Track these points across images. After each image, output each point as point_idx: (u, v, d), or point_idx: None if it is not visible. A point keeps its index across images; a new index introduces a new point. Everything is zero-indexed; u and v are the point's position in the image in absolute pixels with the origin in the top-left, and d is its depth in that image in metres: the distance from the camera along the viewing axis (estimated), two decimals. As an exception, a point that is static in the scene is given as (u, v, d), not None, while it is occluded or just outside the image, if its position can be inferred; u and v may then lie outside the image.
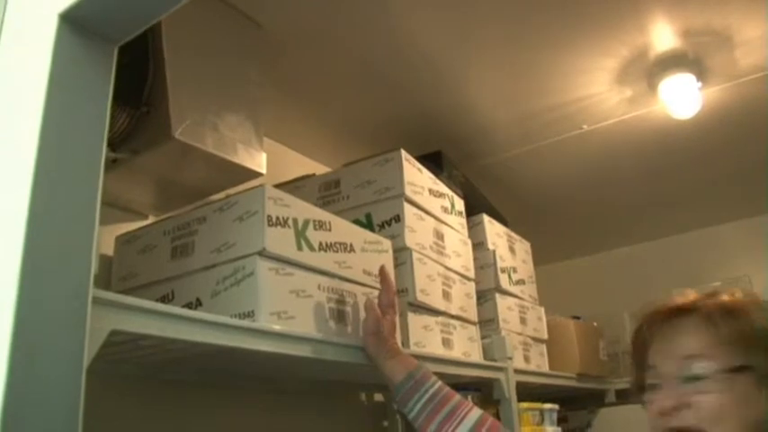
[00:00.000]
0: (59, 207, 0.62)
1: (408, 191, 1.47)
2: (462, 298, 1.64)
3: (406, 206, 1.46)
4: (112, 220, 1.34)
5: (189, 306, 1.06)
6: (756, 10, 1.52)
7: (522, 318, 1.99)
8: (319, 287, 1.15)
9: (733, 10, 1.53)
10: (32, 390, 0.56)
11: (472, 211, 1.90)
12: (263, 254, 1.04)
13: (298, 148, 2.00)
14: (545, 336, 2.12)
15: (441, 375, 1.18)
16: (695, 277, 2.55)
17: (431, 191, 1.60)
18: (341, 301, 1.19)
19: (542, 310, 2.16)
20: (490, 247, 1.93)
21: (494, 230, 2.00)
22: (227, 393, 1.42)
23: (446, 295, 1.55)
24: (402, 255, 1.42)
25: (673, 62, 1.73)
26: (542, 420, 1.80)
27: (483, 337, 1.72)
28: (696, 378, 0.81)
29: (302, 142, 1.97)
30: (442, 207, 1.66)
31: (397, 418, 1.83)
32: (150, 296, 1.10)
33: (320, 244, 1.17)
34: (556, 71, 1.75)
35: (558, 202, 2.66)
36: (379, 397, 1.90)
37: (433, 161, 1.77)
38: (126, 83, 1.10)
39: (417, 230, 1.49)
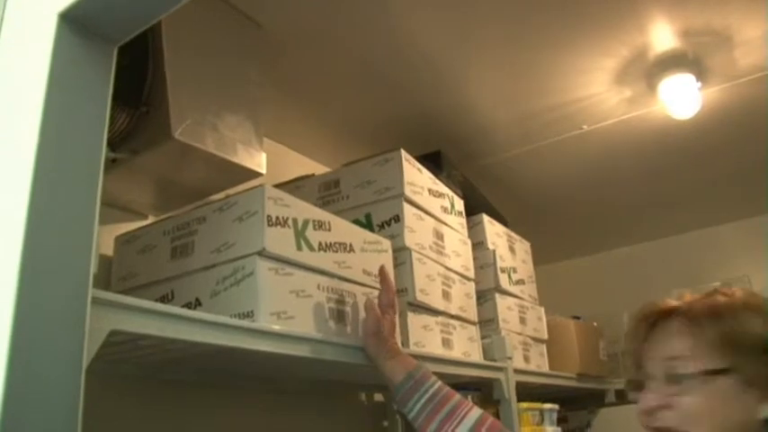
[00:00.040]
0: (59, 207, 0.62)
1: (408, 191, 1.47)
2: (462, 298, 1.64)
3: (406, 206, 1.46)
4: (112, 220, 1.34)
5: (188, 306, 1.06)
6: (756, 10, 1.52)
7: (522, 318, 1.99)
8: (319, 287, 1.15)
9: (733, 10, 1.53)
10: (32, 390, 0.56)
11: (472, 210, 1.90)
12: (262, 254, 1.04)
13: (297, 148, 2.00)
14: (545, 336, 2.12)
15: (440, 375, 1.18)
16: (695, 277, 2.55)
17: (430, 191, 1.60)
18: (340, 301, 1.19)
19: (542, 310, 2.16)
20: (490, 246, 1.93)
21: (493, 230, 2.00)
22: (227, 393, 1.42)
23: (446, 295, 1.55)
24: (402, 255, 1.42)
25: (672, 62, 1.73)
26: (542, 420, 1.80)
27: (483, 337, 1.72)
28: (678, 379, 0.82)
29: (302, 142, 1.97)
30: (442, 207, 1.66)
31: (397, 419, 1.83)
32: (150, 296, 1.10)
33: (320, 244, 1.17)
34: (556, 71, 1.75)
35: (558, 202, 2.66)
36: (379, 397, 1.90)
37: (432, 161, 1.77)
38: (126, 83, 1.10)
39: (417, 230, 1.49)
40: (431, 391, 1.12)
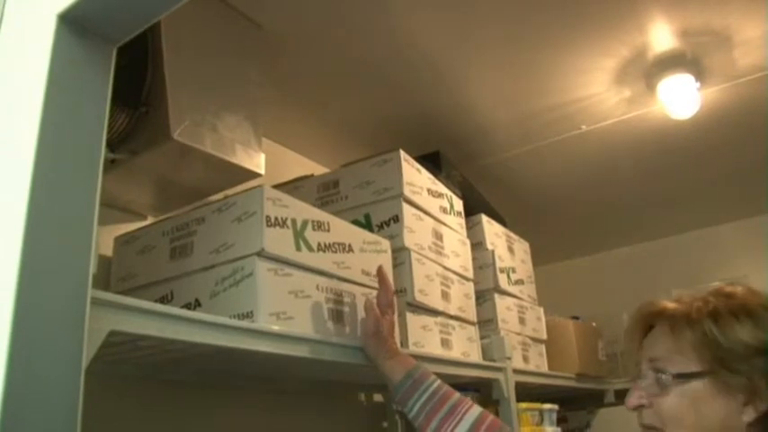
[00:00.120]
0: (58, 207, 0.62)
1: (407, 191, 1.47)
2: (461, 298, 1.64)
3: (405, 206, 1.46)
4: (111, 221, 1.34)
5: (188, 307, 1.06)
6: (755, 10, 1.52)
7: (521, 318, 1.99)
8: (318, 287, 1.15)
9: (732, 10, 1.53)
10: (31, 390, 0.56)
11: (471, 211, 1.90)
12: (261, 254, 1.04)
13: (297, 149, 2.00)
14: (544, 336, 2.12)
15: (439, 375, 1.18)
16: (694, 277, 2.55)
17: (429, 191, 1.61)
18: (340, 302, 1.19)
19: (541, 310, 2.16)
20: (489, 247, 1.93)
21: (492, 230, 2.00)
22: (227, 394, 1.42)
23: (445, 295, 1.55)
24: (401, 255, 1.42)
25: (671, 62, 1.73)
26: (541, 420, 1.80)
27: (482, 338, 1.73)
28: (657, 380, 0.85)
29: (301, 143, 1.97)
30: (441, 207, 1.66)
31: (397, 419, 1.83)
32: (149, 297, 1.10)
33: (319, 244, 1.17)
34: (555, 71, 1.75)
35: (558, 202, 2.66)
36: (378, 397, 1.90)
37: (431, 161, 1.77)
38: (125, 83, 1.10)
39: (416, 231, 1.49)
40: (430, 390, 1.12)
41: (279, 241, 1.07)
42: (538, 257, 2.30)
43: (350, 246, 1.26)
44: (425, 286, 1.46)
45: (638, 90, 1.85)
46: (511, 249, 2.08)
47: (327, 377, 1.47)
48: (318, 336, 1.10)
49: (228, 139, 1.24)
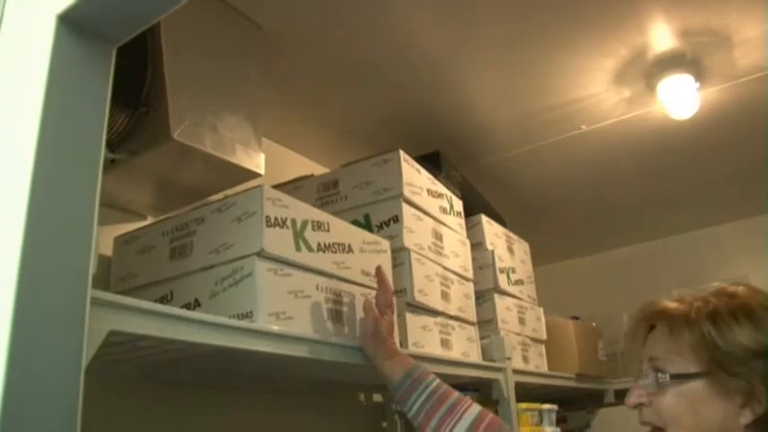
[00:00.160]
0: (58, 207, 0.62)
1: (407, 191, 1.47)
2: (461, 298, 1.64)
3: (405, 207, 1.46)
4: (111, 221, 1.34)
5: (187, 307, 1.06)
6: (755, 10, 1.52)
7: (521, 318, 1.99)
8: (318, 288, 1.15)
9: (732, 10, 1.53)
10: (31, 390, 0.56)
11: (471, 211, 1.90)
12: (261, 254, 1.04)
13: (296, 149, 2.00)
14: (544, 336, 2.12)
15: (439, 376, 1.18)
16: (694, 277, 2.56)
17: (429, 191, 1.61)
18: (339, 302, 1.19)
19: (541, 310, 2.16)
20: (489, 247, 1.93)
21: (492, 231, 2.00)
22: (226, 394, 1.42)
23: (444, 296, 1.55)
24: (400, 255, 1.42)
25: (671, 62, 1.73)
26: (541, 421, 1.80)
27: (482, 338, 1.73)
28: (656, 380, 0.86)
29: (301, 143, 1.97)
30: (441, 207, 1.66)
31: (396, 419, 1.83)
32: (149, 297, 1.10)
33: (318, 244, 1.17)
34: (555, 71, 1.75)
35: (557, 202, 2.66)
36: (378, 397, 1.90)
37: (431, 161, 1.78)
38: (125, 83, 1.10)
39: (416, 231, 1.49)
40: (429, 389, 1.12)
41: (278, 241, 1.07)
42: (538, 257, 2.30)
43: (349, 246, 1.26)
44: (425, 286, 1.46)
45: (638, 90, 1.85)
46: (511, 249, 2.08)
47: (327, 377, 1.48)
48: (318, 336, 1.10)
49: (228, 139, 1.24)
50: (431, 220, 1.58)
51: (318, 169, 1.93)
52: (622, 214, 2.81)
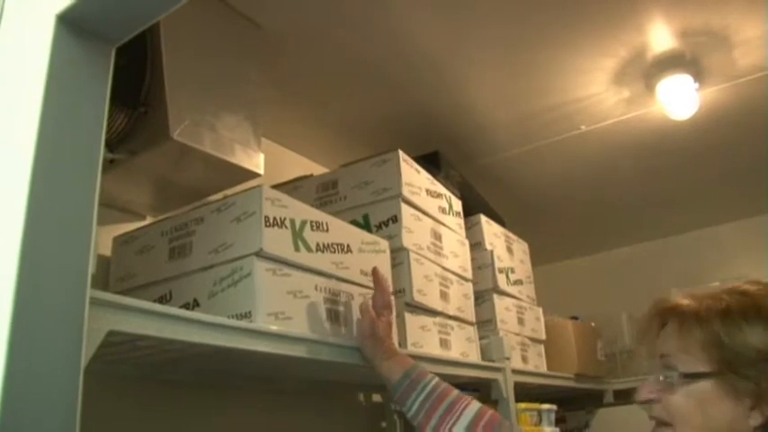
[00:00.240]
0: (57, 207, 0.62)
1: (406, 191, 1.47)
2: (460, 298, 1.64)
3: (404, 207, 1.46)
4: (110, 221, 1.34)
5: (186, 307, 1.06)
6: (755, 10, 1.52)
7: (520, 318, 1.99)
8: (316, 288, 1.15)
9: (731, 10, 1.53)
10: (30, 390, 0.56)
11: (470, 211, 1.90)
12: (260, 254, 1.04)
13: (296, 149, 2.00)
14: (543, 336, 2.12)
15: (438, 376, 1.17)
16: (694, 277, 2.56)
17: (428, 191, 1.61)
18: (338, 302, 1.19)
19: (540, 310, 2.16)
20: (488, 247, 1.93)
21: (491, 231, 2.00)
22: (225, 394, 1.42)
23: (444, 296, 1.55)
24: (399, 255, 1.42)
25: (670, 62, 1.73)
26: (540, 421, 1.80)
27: (481, 338, 1.73)
28: (666, 377, 0.86)
29: (300, 143, 1.97)
30: (440, 207, 1.66)
31: (395, 419, 1.83)
32: (148, 297, 1.10)
33: (317, 245, 1.17)
34: (555, 71, 1.75)
35: (557, 202, 2.66)
36: (377, 398, 1.90)
37: (430, 162, 1.77)
38: (124, 83, 1.10)
39: (415, 231, 1.49)
40: (428, 388, 1.12)
41: (277, 241, 1.07)
42: (537, 257, 2.30)
43: (348, 246, 1.26)
44: (424, 286, 1.46)
45: (638, 90, 1.85)
46: (510, 250, 2.08)
47: (326, 377, 1.48)
48: (316, 336, 1.10)
49: (228, 139, 1.24)
50: (430, 221, 1.58)
51: (318, 169, 1.93)
52: (622, 214, 2.81)
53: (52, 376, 0.58)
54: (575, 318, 2.40)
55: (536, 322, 2.10)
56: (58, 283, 0.61)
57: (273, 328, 1.01)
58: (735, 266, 2.72)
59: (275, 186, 1.34)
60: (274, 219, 1.08)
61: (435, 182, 1.66)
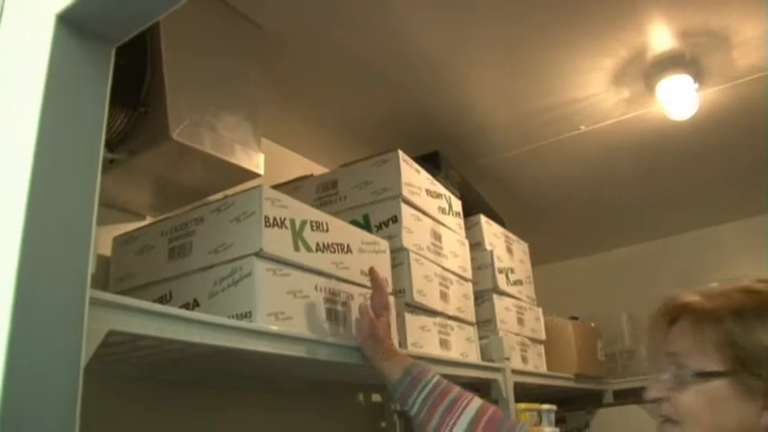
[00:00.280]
0: (57, 207, 0.62)
1: (406, 191, 1.47)
2: (460, 298, 1.64)
3: (404, 207, 1.46)
4: (110, 221, 1.34)
5: (186, 307, 1.06)
6: (755, 10, 1.52)
7: (520, 318, 1.99)
8: (316, 288, 1.15)
9: (731, 10, 1.53)
10: (30, 390, 0.56)
11: (469, 211, 1.90)
12: (260, 254, 1.04)
13: (296, 149, 2.00)
14: (543, 336, 2.12)
15: (438, 376, 1.18)
16: (694, 278, 2.55)
17: (428, 191, 1.61)
18: (338, 302, 1.19)
19: (540, 310, 2.16)
20: (488, 247, 1.93)
21: (491, 231, 2.00)
22: (225, 393, 1.42)
23: (443, 296, 1.55)
24: (399, 255, 1.42)
25: (670, 63, 1.73)
26: (540, 421, 1.80)
27: (480, 338, 1.73)
28: (676, 376, 0.84)
29: (300, 143, 1.97)
30: (440, 208, 1.66)
31: (395, 419, 1.83)
32: (148, 297, 1.10)
33: (317, 245, 1.17)
34: (555, 71, 1.75)
35: (557, 203, 2.66)
36: (376, 398, 1.90)
37: (430, 161, 1.78)
38: (124, 83, 1.10)
39: (415, 231, 1.49)
40: (430, 386, 1.11)
41: (277, 241, 1.07)
42: (537, 257, 2.30)
43: (348, 246, 1.26)
44: (424, 287, 1.46)
45: (637, 90, 1.85)
46: (509, 250, 2.08)
47: (326, 377, 1.48)
48: (316, 336, 1.10)
49: (228, 139, 1.24)
50: (430, 221, 1.58)
51: (318, 169, 1.93)
52: (622, 214, 2.81)
53: (52, 376, 0.58)
54: (574, 318, 2.41)
55: (536, 322, 2.10)
56: (58, 283, 0.60)
57: (273, 328, 1.01)
58: (735, 266, 2.72)
59: (275, 186, 1.34)
60: (274, 219, 1.08)
61: (435, 182, 1.66)
